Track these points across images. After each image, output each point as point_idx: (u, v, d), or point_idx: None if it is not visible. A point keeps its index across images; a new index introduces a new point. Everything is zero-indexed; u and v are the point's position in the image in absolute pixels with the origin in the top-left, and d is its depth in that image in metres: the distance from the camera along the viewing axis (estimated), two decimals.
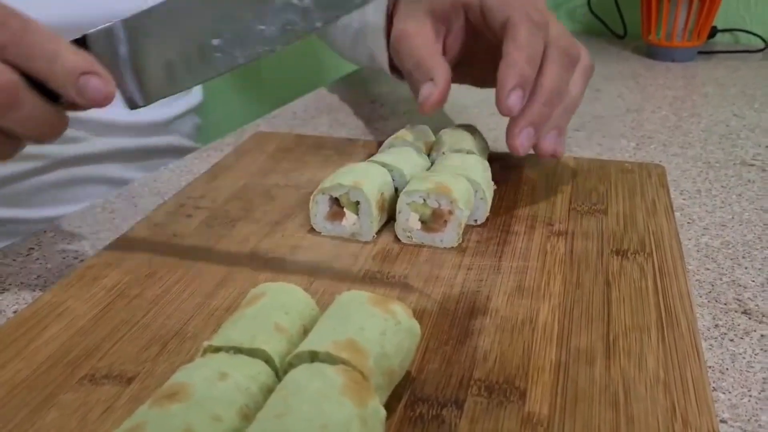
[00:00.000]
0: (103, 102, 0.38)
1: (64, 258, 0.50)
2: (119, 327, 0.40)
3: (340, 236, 0.49)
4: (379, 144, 0.61)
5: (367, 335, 0.31)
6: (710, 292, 0.45)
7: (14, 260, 0.50)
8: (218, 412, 0.28)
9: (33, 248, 0.52)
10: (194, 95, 0.84)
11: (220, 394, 0.28)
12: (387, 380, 0.32)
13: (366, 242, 0.48)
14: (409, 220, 0.47)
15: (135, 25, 0.39)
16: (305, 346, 0.31)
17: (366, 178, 0.48)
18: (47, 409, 0.33)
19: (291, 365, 0.31)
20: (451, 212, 0.46)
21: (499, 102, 0.48)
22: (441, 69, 0.53)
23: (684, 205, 0.58)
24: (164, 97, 0.41)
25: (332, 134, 0.75)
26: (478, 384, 0.35)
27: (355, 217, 0.48)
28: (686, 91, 0.93)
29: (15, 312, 0.43)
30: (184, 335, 0.39)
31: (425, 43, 0.55)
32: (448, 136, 0.57)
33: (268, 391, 0.30)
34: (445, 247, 0.47)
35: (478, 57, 0.58)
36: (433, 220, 0.47)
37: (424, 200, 0.47)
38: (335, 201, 0.49)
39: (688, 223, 0.55)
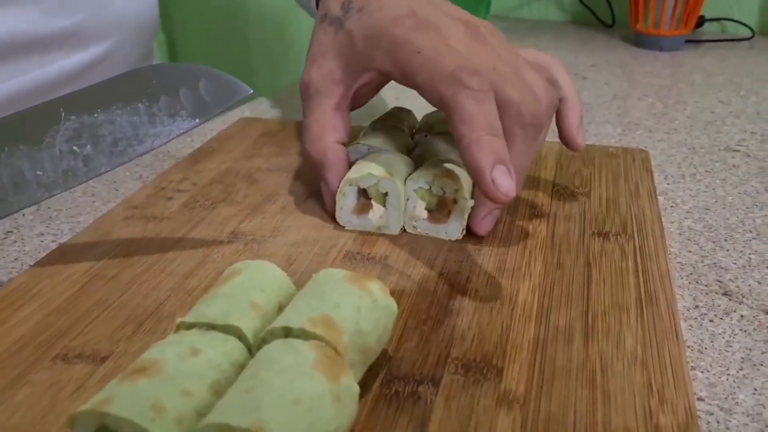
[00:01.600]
0: None
1: (42, 241, 0.50)
2: (94, 307, 0.39)
3: (365, 229, 0.46)
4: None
5: (342, 312, 0.31)
6: (691, 273, 0.45)
7: None
8: (188, 387, 0.27)
9: (10, 231, 0.51)
10: None
11: (191, 369, 0.28)
12: (362, 357, 0.31)
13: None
14: (416, 208, 0.45)
15: None
16: (279, 322, 0.30)
17: (394, 168, 0.46)
18: (18, 387, 0.33)
19: (264, 341, 0.30)
20: (455, 201, 0.45)
21: (486, 191, 0.39)
22: (333, 174, 0.47)
23: (668, 189, 0.58)
24: None
25: None
26: (455, 362, 0.34)
27: (383, 209, 0.45)
28: (673, 79, 0.93)
29: None
30: (160, 315, 0.38)
31: (320, 116, 0.48)
32: (433, 118, 0.56)
33: (241, 368, 0.29)
34: (450, 239, 0.45)
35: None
36: (437, 209, 0.46)
37: (430, 186, 0.45)
38: (363, 193, 0.46)
39: (672, 206, 0.55)
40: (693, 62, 1.01)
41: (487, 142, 0.39)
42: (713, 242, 0.49)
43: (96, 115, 0.39)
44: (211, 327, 0.31)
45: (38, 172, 0.38)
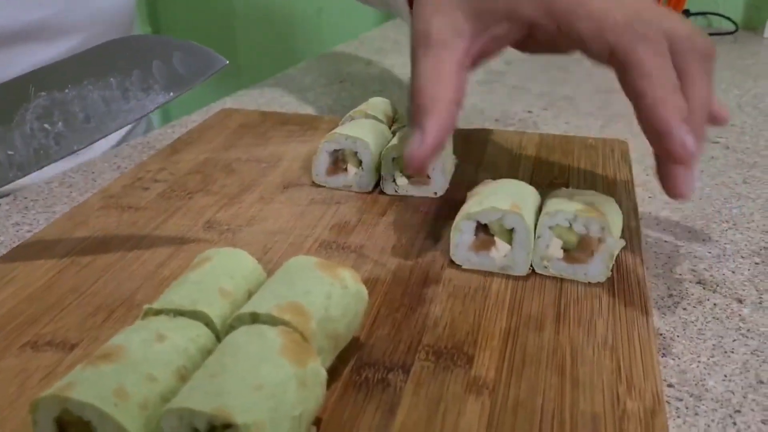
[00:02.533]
0: None
1: (17, 231, 0.49)
2: (67, 295, 0.39)
3: (485, 269, 0.41)
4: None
5: (311, 298, 0.31)
6: (666, 263, 0.46)
7: None
8: (153, 372, 0.27)
9: None
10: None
11: (156, 355, 0.28)
12: (331, 344, 0.31)
13: (330, 205, 0.49)
14: (550, 247, 0.40)
15: None
16: (247, 308, 0.30)
17: (521, 199, 0.41)
18: None
19: (232, 327, 0.30)
20: (601, 240, 0.39)
21: (674, 152, 0.37)
22: (435, 122, 0.40)
23: (647, 180, 0.58)
24: None
25: (299, 112, 0.74)
26: (426, 349, 0.34)
27: (508, 247, 0.40)
28: None
29: None
30: (132, 303, 0.38)
31: (440, 69, 0.41)
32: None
33: (209, 353, 0.29)
34: (589, 282, 0.40)
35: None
36: (578, 249, 0.40)
37: (570, 224, 0.40)
38: (483, 227, 0.41)
39: (650, 197, 0.55)
40: None
41: (672, 100, 0.37)
42: (689, 232, 0.49)
43: (66, 90, 0.38)
44: (179, 313, 0.31)
45: (9, 152, 0.37)
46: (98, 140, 0.40)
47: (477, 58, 0.43)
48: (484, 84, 0.85)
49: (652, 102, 0.37)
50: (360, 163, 0.51)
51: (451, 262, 0.42)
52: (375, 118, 0.54)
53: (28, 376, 0.33)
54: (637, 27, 0.37)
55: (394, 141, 0.48)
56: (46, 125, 0.38)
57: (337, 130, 0.51)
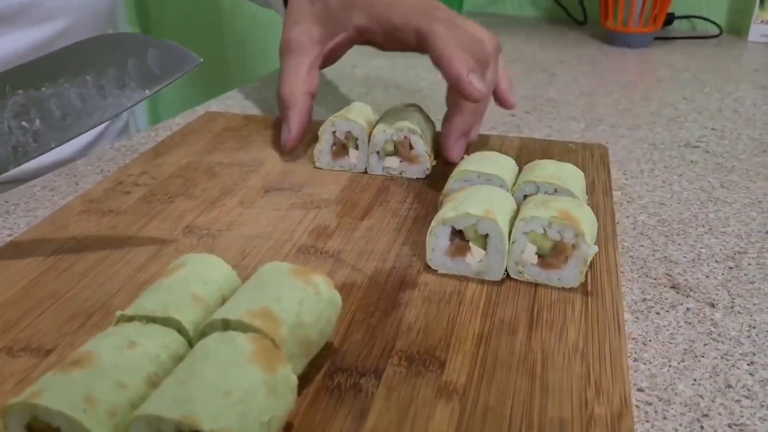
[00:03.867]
0: None
1: None
2: (44, 300, 0.39)
3: (461, 273, 0.42)
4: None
5: (283, 304, 0.31)
6: (642, 267, 0.46)
7: None
8: (123, 379, 0.27)
9: None
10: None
11: (127, 361, 0.28)
12: (303, 350, 0.31)
13: (310, 209, 0.50)
14: (524, 253, 0.40)
15: None
16: (219, 314, 0.31)
17: (495, 205, 0.41)
18: None
19: (204, 334, 0.30)
20: (575, 247, 0.40)
21: (464, 89, 0.51)
22: (296, 113, 0.57)
23: (626, 184, 0.59)
24: None
25: None
26: (399, 354, 0.35)
27: (483, 252, 0.41)
28: (640, 76, 0.94)
29: None
30: (109, 308, 0.38)
31: (296, 69, 0.58)
32: (392, 114, 0.57)
33: (180, 360, 0.29)
34: (563, 287, 0.41)
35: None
36: (552, 255, 0.40)
37: (545, 230, 0.40)
38: (458, 233, 0.42)
39: (628, 201, 0.56)
40: (661, 59, 1.02)
41: (461, 55, 0.50)
42: (666, 236, 0.50)
43: (43, 89, 0.38)
44: (151, 320, 0.31)
45: None
46: (75, 137, 0.40)
47: (327, 59, 0.60)
48: None
49: (447, 56, 0.50)
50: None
51: (428, 266, 0.42)
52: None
53: (3, 381, 0.33)
54: (432, 12, 0.53)
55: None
56: (23, 123, 0.38)
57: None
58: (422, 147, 0.55)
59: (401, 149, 0.55)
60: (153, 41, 0.40)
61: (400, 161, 0.55)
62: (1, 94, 0.39)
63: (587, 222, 0.40)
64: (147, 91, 0.40)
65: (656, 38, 1.10)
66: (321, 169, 0.57)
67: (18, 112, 0.38)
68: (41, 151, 0.40)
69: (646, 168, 0.62)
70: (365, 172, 0.56)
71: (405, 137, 0.54)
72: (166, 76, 0.41)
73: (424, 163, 0.55)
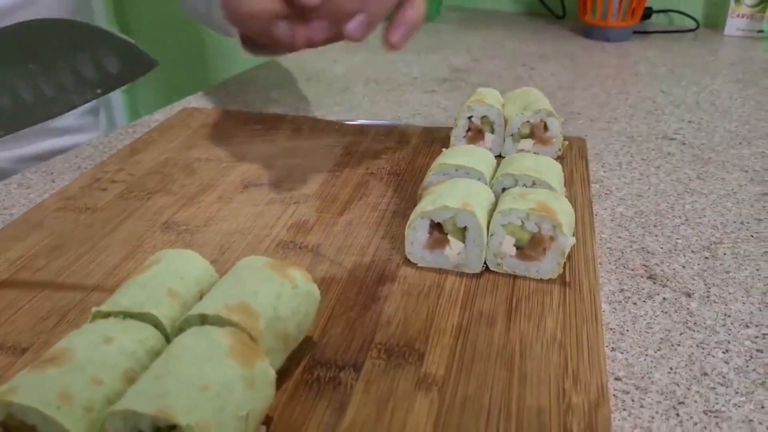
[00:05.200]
0: None
1: None
2: (19, 298, 0.39)
3: (440, 266, 0.42)
4: (310, 119, 0.60)
5: (260, 299, 0.31)
6: (619, 258, 0.46)
7: None
8: (99, 375, 0.27)
9: None
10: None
11: (103, 357, 0.28)
12: (281, 344, 0.31)
13: (289, 205, 0.49)
14: (503, 245, 0.40)
15: None
16: (196, 309, 0.30)
17: (474, 198, 0.42)
18: None
19: (181, 330, 0.30)
20: (552, 238, 0.40)
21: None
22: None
23: (604, 177, 0.59)
24: None
25: (264, 111, 0.74)
26: (378, 347, 0.35)
27: (461, 245, 0.41)
28: (618, 70, 0.95)
29: None
30: (85, 306, 0.38)
31: None
32: (520, 97, 0.59)
33: (157, 355, 0.29)
34: (541, 279, 0.41)
35: None
36: (530, 246, 0.41)
37: (523, 222, 0.41)
38: (437, 226, 0.42)
39: (606, 194, 0.56)
40: (639, 53, 1.03)
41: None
42: (643, 228, 0.50)
43: None
44: (128, 315, 0.31)
45: None
46: (19, 130, 0.36)
47: None
48: (449, 82, 0.86)
49: None
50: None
51: (407, 260, 0.42)
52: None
53: None
54: None
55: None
56: None
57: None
58: (557, 129, 0.56)
59: (536, 131, 0.56)
60: (108, 35, 0.36)
61: (534, 143, 0.56)
62: None
63: (565, 213, 0.41)
64: (99, 91, 0.36)
65: (635, 32, 1.10)
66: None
67: None
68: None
69: (624, 160, 0.63)
70: (500, 156, 0.57)
71: (541, 120, 0.56)
72: (120, 78, 0.36)
73: (556, 145, 0.56)
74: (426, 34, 1.12)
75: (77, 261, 0.42)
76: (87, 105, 0.82)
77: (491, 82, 0.87)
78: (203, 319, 0.30)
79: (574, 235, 0.42)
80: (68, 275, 0.41)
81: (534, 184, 0.45)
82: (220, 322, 0.30)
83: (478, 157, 0.47)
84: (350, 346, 0.35)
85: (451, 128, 0.63)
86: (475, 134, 0.57)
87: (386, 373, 0.33)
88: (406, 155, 0.59)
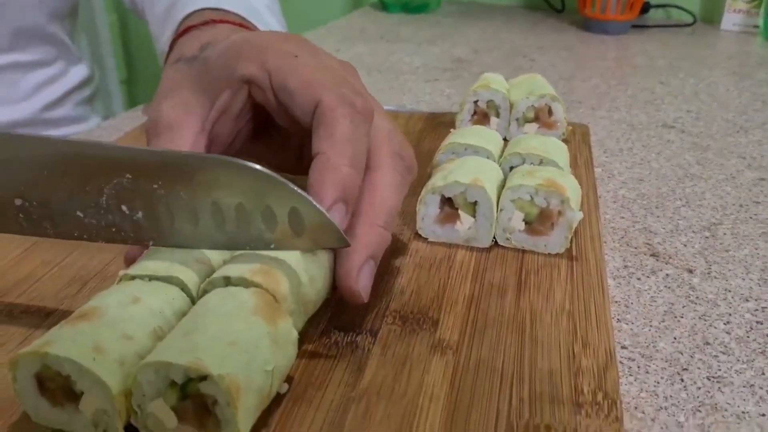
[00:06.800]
0: None
1: None
2: (39, 268, 0.39)
3: (450, 241, 0.43)
4: None
5: (283, 265, 0.32)
6: (623, 237, 0.48)
7: None
8: (129, 331, 0.28)
9: None
10: (78, 71, 0.81)
11: (132, 315, 0.29)
12: (302, 307, 0.32)
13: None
14: (512, 220, 0.41)
15: None
16: (220, 272, 0.31)
17: (484, 174, 0.43)
18: None
19: (206, 292, 0.31)
20: (560, 213, 0.41)
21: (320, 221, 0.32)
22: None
23: (606, 161, 0.60)
24: None
25: None
26: (393, 314, 0.36)
27: (472, 220, 0.42)
28: (617, 62, 0.96)
29: None
30: (105, 275, 0.39)
31: (173, 145, 0.38)
32: (525, 83, 0.60)
33: (183, 316, 0.30)
34: (549, 253, 0.42)
35: (272, 141, 0.42)
36: (538, 221, 0.42)
37: (531, 197, 0.41)
38: (447, 201, 0.43)
39: (609, 177, 0.57)
40: (637, 46, 1.04)
41: (343, 175, 0.33)
42: (645, 209, 0.52)
43: (155, 186, 0.32)
44: (154, 279, 0.31)
45: (78, 213, 0.33)
46: (173, 247, 0.33)
47: (219, 133, 0.39)
48: (451, 71, 0.87)
49: (323, 164, 0.33)
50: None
51: (418, 235, 0.43)
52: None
53: (6, 341, 0.33)
54: (347, 91, 0.35)
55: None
56: (124, 207, 0.32)
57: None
58: (561, 113, 0.58)
59: (541, 115, 0.57)
60: (298, 196, 0.31)
61: (539, 127, 0.58)
62: (106, 170, 0.32)
63: (572, 189, 0.42)
64: (272, 246, 0.32)
65: (633, 26, 1.12)
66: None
67: (119, 194, 0.32)
68: (137, 243, 0.34)
69: (625, 147, 0.64)
70: (504, 140, 0.57)
71: (546, 104, 0.57)
72: (297, 245, 0.32)
73: (560, 129, 0.57)
74: (426, 25, 1.13)
75: None
76: (84, 95, 0.82)
77: (492, 71, 0.88)
78: (227, 282, 0.31)
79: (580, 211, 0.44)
80: (86, 246, 0.41)
81: (541, 162, 0.46)
82: (244, 283, 0.31)
83: (487, 137, 0.49)
84: (366, 313, 0.36)
85: (456, 113, 0.64)
86: (481, 118, 0.58)
87: (402, 338, 0.34)
88: (412, 139, 0.60)
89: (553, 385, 0.31)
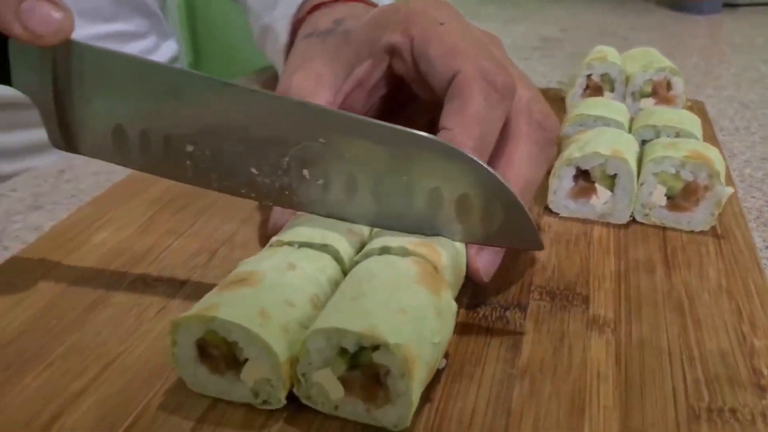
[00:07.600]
0: (54, 36, 0.30)
1: (97, 180, 0.49)
2: (165, 236, 0.39)
3: (585, 216, 0.41)
4: None
5: (440, 239, 0.31)
6: (758, 217, 0.45)
7: (45, 181, 0.49)
8: (290, 298, 0.27)
9: (63, 170, 0.51)
10: (168, 47, 0.79)
11: (290, 281, 0.28)
12: (456, 280, 0.31)
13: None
14: (653, 194, 0.39)
15: (124, 65, 0.32)
16: (376, 243, 0.30)
17: (623, 146, 0.41)
18: (101, 308, 0.33)
19: (357, 263, 0.30)
20: (708, 188, 0.39)
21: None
22: None
23: (724, 140, 0.57)
24: (81, 154, 0.34)
25: None
26: (539, 290, 0.34)
27: (609, 194, 0.40)
28: (713, 40, 0.92)
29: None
30: (233, 244, 0.38)
31: None
32: (640, 56, 0.58)
33: (336, 284, 0.29)
34: (692, 231, 0.39)
35: (399, 122, 0.35)
36: (682, 196, 0.39)
37: (677, 171, 0.39)
38: (583, 174, 0.41)
39: (730, 156, 0.54)
40: (731, 25, 1.00)
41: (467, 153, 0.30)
42: None
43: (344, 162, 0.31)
44: (304, 245, 0.30)
45: (253, 170, 0.32)
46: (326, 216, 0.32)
47: (355, 101, 0.38)
48: (541, 50, 0.84)
49: (448, 140, 0.31)
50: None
51: (547, 209, 0.41)
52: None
53: (144, 309, 0.33)
54: (490, 66, 0.33)
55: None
56: (305, 172, 0.31)
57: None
58: (681, 87, 0.54)
59: (659, 90, 0.54)
60: (504, 199, 0.30)
61: (656, 102, 0.54)
62: (300, 131, 0.31)
63: (720, 162, 0.39)
64: (457, 237, 0.31)
65: (725, 5, 1.07)
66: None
67: (306, 158, 0.31)
68: (308, 210, 0.32)
69: (740, 125, 0.61)
70: None
71: (665, 78, 0.54)
72: (483, 238, 0.31)
73: (679, 105, 0.54)
74: (509, 5, 1.11)
75: (217, 202, 0.42)
76: (146, 9, 0.74)
77: (584, 50, 0.85)
78: (385, 251, 0.30)
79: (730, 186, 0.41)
80: (210, 215, 0.41)
81: (678, 135, 0.43)
82: (404, 253, 0.29)
83: (615, 108, 0.46)
84: (510, 288, 0.34)
85: (556, 89, 0.61)
86: (593, 92, 0.56)
87: (553, 314, 0.32)
88: None
89: (727, 365, 0.29)
